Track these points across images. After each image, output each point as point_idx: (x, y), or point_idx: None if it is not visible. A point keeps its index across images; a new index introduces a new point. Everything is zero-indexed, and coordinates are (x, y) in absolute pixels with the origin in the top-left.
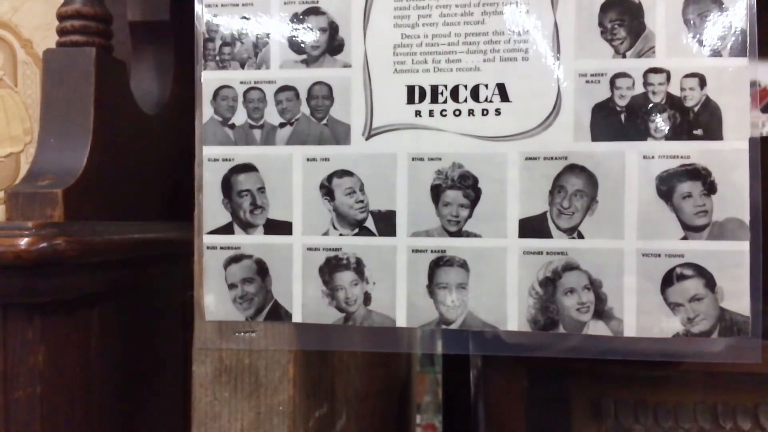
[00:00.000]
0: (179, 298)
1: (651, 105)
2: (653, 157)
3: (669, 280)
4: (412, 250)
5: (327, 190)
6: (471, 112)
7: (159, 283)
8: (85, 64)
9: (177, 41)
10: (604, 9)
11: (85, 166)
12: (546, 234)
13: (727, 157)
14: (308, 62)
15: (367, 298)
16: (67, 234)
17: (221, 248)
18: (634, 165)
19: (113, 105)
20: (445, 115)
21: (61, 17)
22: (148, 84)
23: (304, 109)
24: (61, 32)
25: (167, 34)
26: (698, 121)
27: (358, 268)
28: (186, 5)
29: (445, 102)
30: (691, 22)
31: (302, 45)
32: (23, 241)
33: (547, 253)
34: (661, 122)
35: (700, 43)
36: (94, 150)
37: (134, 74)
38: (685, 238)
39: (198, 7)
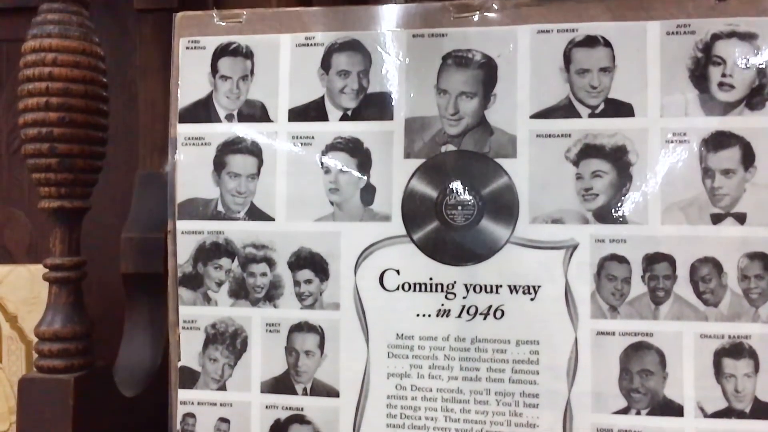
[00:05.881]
0: None
1: None
2: None
3: None
4: None
5: None
6: None
7: None
8: (62, 396)
9: None
10: None
11: None
12: None
13: None
14: None
15: None
16: None
17: None
18: None
19: (92, 426)
20: None
21: (40, 337)
22: (142, 336)
23: None
24: (39, 354)
25: (161, 286)
26: None
27: None
28: None
29: None
30: None
31: None
32: None
33: None
34: None
35: None
36: None
37: (127, 326)
38: None
39: (172, 405)
